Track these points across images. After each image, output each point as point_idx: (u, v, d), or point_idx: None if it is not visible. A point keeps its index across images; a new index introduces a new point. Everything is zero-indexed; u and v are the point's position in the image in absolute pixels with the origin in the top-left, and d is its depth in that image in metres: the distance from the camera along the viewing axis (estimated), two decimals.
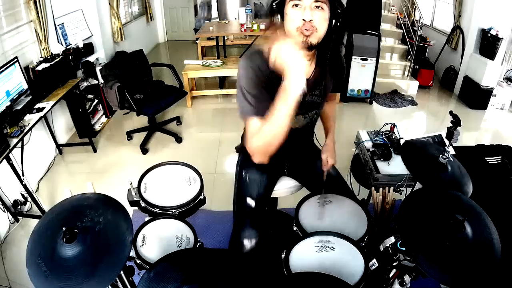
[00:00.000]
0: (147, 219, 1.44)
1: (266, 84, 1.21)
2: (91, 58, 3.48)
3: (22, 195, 2.52)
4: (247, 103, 1.17)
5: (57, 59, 2.88)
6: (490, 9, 4.08)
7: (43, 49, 2.90)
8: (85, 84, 3.36)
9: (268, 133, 1.09)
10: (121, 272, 1.11)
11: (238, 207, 1.54)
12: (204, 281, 0.92)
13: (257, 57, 1.22)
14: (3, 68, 2.31)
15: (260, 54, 1.24)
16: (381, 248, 1.21)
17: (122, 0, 4.95)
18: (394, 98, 4.50)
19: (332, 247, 1.24)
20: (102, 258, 0.93)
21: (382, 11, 4.38)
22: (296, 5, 1.12)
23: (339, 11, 1.16)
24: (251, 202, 1.48)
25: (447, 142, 1.81)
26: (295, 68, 1.01)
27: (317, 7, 1.12)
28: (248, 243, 1.40)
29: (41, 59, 2.84)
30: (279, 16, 1.18)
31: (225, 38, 4.66)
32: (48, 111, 2.61)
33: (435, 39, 5.16)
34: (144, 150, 3.31)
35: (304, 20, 1.12)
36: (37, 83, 2.70)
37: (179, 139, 3.48)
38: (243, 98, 1.18)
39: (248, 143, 1.15)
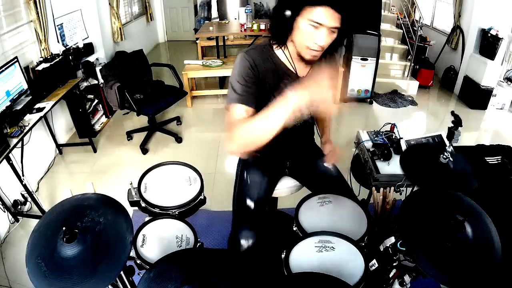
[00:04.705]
0: (147, 219, 1.44)
1: (258, 80, 1.23)
2: (91, 58, 3.48)
3: (22, 195, 2.52)
4: (234, 92, 1.19)
5: (57, 59, 2.88)
6: (490, 9, 4.07)
7: (43, 49, 2.90)
8: (85, 84, 3.36)
9: (255, 130, 1.05)
10: (121, 272, 1.11)
11: (238, 206, 1.54)
12: (204, 281, 0.92)
13: (255, 52, 1.25)
14: (3, 68, 2.31)
15: (259, 49, 1.28)
16: (381, 248, 1.21)
17: (122, 0, 4.94)
18: (394, 98, 4.50)
19: (332, 247, 1.24)
20: (102, 258, 0.93)
21: (382, 11, 4.38)
22: (315, 26, 1.11)
23: (348, 31, 1.17)
24: (250, 203, 1.48)
25: (447, 142, 1.81)
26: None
27: (332, 31, 1.13)
28: (245, 243, 1.40)
29: (41, 59, 2.85)
30: (287, 24, 1.15)
31: (225, 38, 4.66)
32: (48, 111, 2.61)
33: (435, 39, 5.16)
34: (144, 150, 3.31)
35: (317, 43, 1.13)
36: (37, 83, 2.70)
37: (179, 139, 3.48)
38: (231, 89, 1.21)
39: (231, 130, 1.10)
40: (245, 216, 1.48)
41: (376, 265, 1.17)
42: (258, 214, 1.48)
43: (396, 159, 1.86)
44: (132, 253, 1.26)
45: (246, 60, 1.22)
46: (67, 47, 3.27)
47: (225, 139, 1.14)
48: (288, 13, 1.12)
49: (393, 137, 2.00)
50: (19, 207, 2.48)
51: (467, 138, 3.59)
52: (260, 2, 6.11)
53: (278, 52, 1.30)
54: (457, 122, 1.49)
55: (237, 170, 1.64)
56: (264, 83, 1.28)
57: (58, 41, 3.16)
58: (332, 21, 1.09)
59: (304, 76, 1.34)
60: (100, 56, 3.73)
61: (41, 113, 2.50)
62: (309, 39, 1.14)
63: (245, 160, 1.62)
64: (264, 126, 1.03)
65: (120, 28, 4.57)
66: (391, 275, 1.20)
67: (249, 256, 1.40)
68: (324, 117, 1.65)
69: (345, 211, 1.46)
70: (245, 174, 1.56)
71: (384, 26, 5.05)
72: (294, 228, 1.39)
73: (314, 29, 1.11)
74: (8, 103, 2.36)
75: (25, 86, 2.56)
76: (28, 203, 2.55)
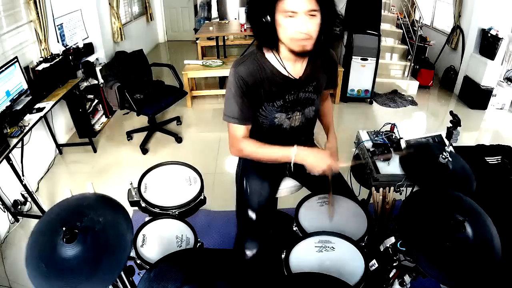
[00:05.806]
0: (147, 219, 1.44)
1: (251, 92, 1.28)
2: (91, 58, 3.48)
3: (22, 195, 2.52)
4: (232, 110, 1.29)
5: (57, 59, 2.88)
6: (490, 9, 4.07)
7: (43, 49, 2.90)
8: (85, 84, 3.36)
9: (257, 156, 1.31)
10: (122, 272, 1.11)
11: (240, 217, 1.54)
12: (204, 281, 0.92)
13: (245, 65, 1.27)
14: (3, 68, 2.31)
15: (251, 60, 1.29)
16: (381, 248, 1.21)
17: (122, 0, 4.94)
18: (394, 98, 4.50)
19: (332, 247, 1.24)
20: (102, 258, 0.93)
21: (382, 11, 4.38)
22: (291, 16, 1.11)
23: (330, 14, 1.16)
24: (252, 215, 1.47)
25: (447, 142, 1.80)
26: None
27: (311, 15, 1.12)
28: (249, 253, 1.43)
29: (41, 59, 2.84)
30: (269, 24, 1.15)
31: (225, 38, 4.66)
32: (48, 111, 2.61)
33: (435, 39, 5.16)
34: (144, 150, 3.31)
35: (299, 31, 1.12)
36: (37, 83, 2.70)
37: (179, 139, 3.48)
38: (229, 105, 1.29)
39: (234, 144, 1.33)
40: (248, 227, 1.48)
41: (376, 265, 1.17)
42: (261, 223, 1.48)
43: (396, 159, 1.86)
44: (132, 253, 1.26)
45: (236, 77, 1.26)
46: (67, 47, 3.27)
47: (229, 146, 1.36)
48: (264, 14, 1.13)
49: (393, 137, 2.00)
50: (19, 207, 2.48)
51: (467, 138, 3.60)
52: None
53: (270, 56, 1.29)
54: (456, 122, 1.48)
55: (236, 177, 1.63)
56: (258, 91, 1.29)
57: (58, 41, 3.16)
58: (305, 5, 1.09)
59: (301, 75, 1.33)
60: (100, 56, 3.73)
61: (41, 113, 2.50)
62: (291, 30, 1.13)
63: (244, 167, 1.61)
64: (263, 158, 1.32)
65: (120, 28, 4.57)
66: (391, 275, 1.20)
67: (254, 262, 1.43)
68: (325, 114, 1.63)
69: (345, 211, 1.46)
70: (244, 182, 1.55)
71: (384, 26, 5.05)
72: (294, 228, 1.39)
73: (293, 19, 1.11)
74: (8, 103, 2.36)
75: (25, 86, 2.56)
76: (28, 203, 2.55)
